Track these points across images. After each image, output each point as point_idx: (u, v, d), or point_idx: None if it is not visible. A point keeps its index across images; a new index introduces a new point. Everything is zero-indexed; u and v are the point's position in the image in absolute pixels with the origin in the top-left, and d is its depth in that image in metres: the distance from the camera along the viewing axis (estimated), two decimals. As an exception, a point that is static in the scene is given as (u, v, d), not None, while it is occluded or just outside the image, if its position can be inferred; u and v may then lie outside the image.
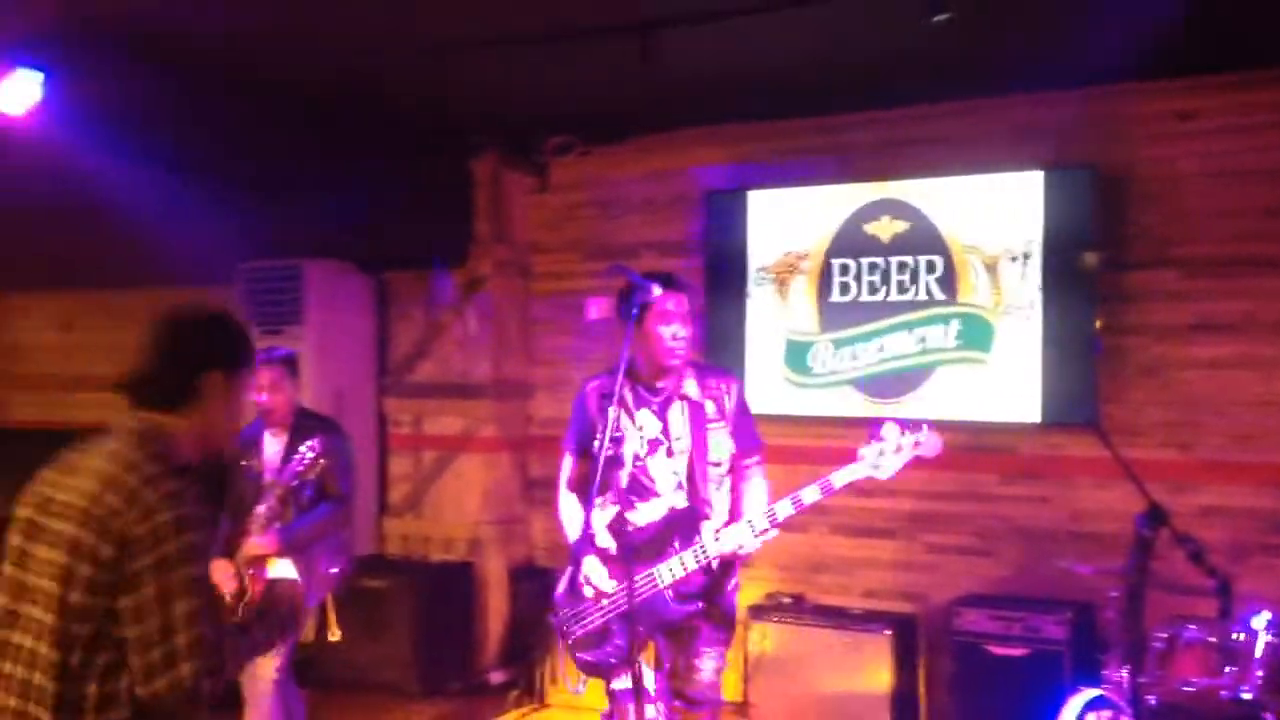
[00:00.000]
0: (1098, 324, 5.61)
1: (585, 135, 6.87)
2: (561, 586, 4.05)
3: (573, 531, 3.97)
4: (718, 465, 3.93)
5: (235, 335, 2.65)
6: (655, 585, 3.81)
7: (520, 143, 6.99)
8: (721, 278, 6.44)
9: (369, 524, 7.34)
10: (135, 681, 2.32)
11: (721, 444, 3.93)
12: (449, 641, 6.86)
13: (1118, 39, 4.71)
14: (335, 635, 5.03)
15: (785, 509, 3.81)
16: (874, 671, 5.83)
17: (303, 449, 4.66)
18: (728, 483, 3.99)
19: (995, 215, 5.82)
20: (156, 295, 8.18)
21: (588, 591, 3.87)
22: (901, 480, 6.06)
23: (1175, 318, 5.61)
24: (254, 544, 4.69)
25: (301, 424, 4.95)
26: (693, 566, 3.80)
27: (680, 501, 3.90)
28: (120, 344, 9.16)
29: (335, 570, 4.98)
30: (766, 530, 3.81)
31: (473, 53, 5.27)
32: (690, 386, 3.95)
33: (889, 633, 5.84)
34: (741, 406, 4.04)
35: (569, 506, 4.07)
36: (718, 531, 3.84)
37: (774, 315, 6.37)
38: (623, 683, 3.84)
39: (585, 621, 3.91)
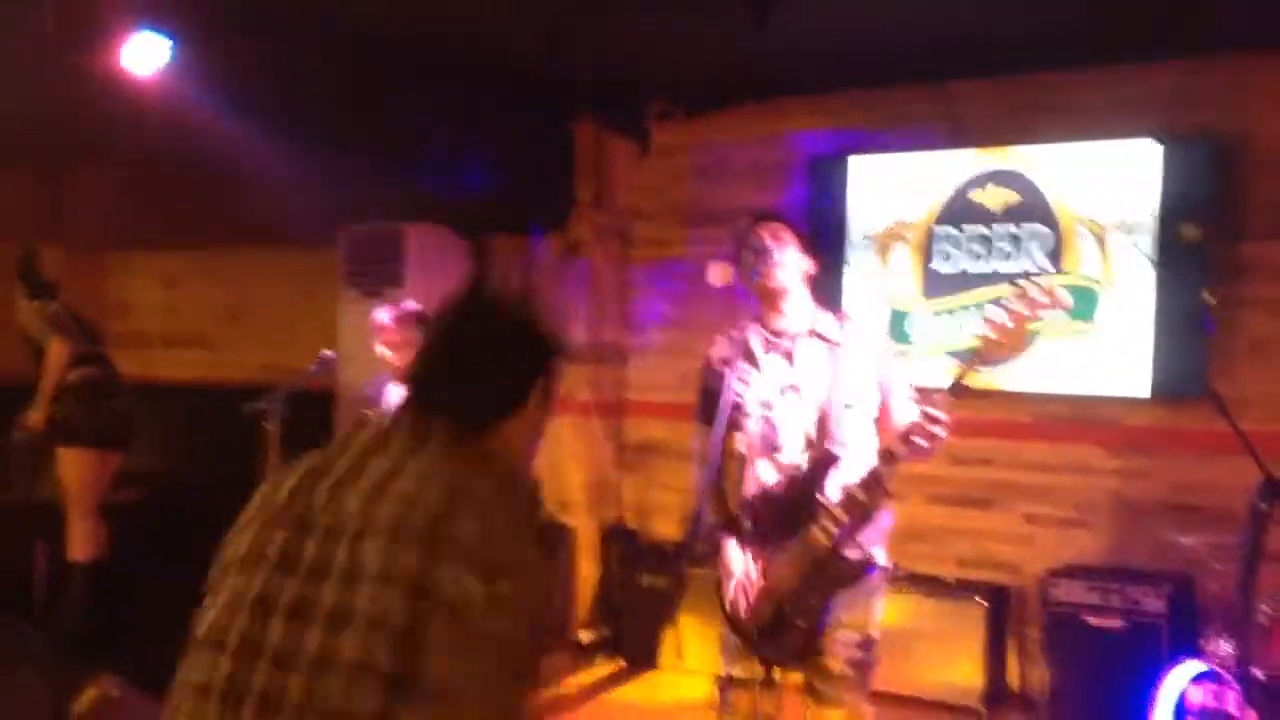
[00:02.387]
0: (1211, 298, 5.56)
1: (688, 101, 6.90)
2: (728, 585, 3.70)
3: (709, 511, 3.71)
4: (851, 408, 3.60)
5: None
6: (815, 550, 3.52)
7: (622, 108, 7.02)
8: (822, 245, 6.41)
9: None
10: None
11: (857, 387, 3.62)
12: (541, 601, 6.94)
13: (1244, 5, 4.63)
14: None
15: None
16: (967, 641, 5.84)
17: None
18: (867, 430, 3.63)
19: (1108, 186, 5.78)
20: (257, 255, 8.43)
21: (730, 583, 3.63)
22: (1000, 451, 6.14)
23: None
24: None
25: None
26: (845, 518, 3.48)
27: (809, 453, 3.61)
28: (218, 301, 9.48)
29: None
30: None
31: (577, 15, 5.29)
32: (825, 325, 3.69)
33: (983, 602, 5.85)
34: (885, 358, 3.74)
35: (703, 481, 3.68)
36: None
37: (875, 283, 6.38)
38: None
39: (756, 611, 3.60)
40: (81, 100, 5.68)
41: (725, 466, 3.64)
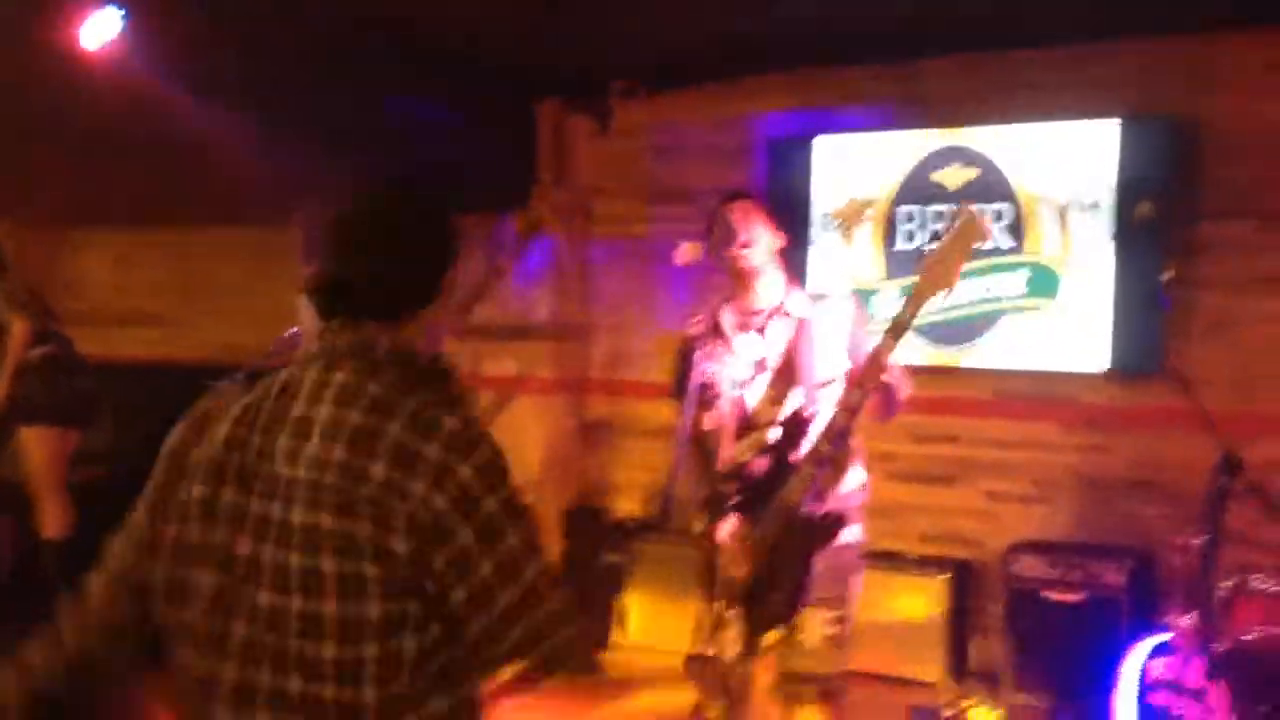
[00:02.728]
0: (1167, 276, 5.62)
1: (651, 79, 6.87)
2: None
3: (692, 485, 3.78)
4: (825, 386, 3.63)
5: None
6: (789, 505, 3.54)
7: (584, 86, 6.99)
8: (784, 225, 6.44)
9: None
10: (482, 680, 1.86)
11: (830, 362, 3.65)
12: (504, 580, 6.92)
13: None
14: None
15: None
16: (928, 616, 5.91)
17: None
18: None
19: (1068, 164, 5.83)
20: (214, 233, 8.34)
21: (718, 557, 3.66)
22: (962, 428, 6.18)
23: (1250, 271, 5.62)
24: None
25: None
26: (813, 471, 3.50)
27: (778, 429, 3.65)
28: (168, 280, 9.40)
29: None
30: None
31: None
32: (796, 304, 3.73)
33: (944, 578, 5.91)
34: (857, 325, 3.75)
35: (686, 458, 3.72)
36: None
37: (838, 263, 6.40)
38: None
39: (740, 578, 3.64)
40: (32, 75, 5.59)
41: (702, 443, 3.67)
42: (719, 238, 3.67)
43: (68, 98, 5.93)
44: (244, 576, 1.79)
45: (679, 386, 3.78)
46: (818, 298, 3.79)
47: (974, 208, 3.44)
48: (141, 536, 1.90)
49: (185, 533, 1.84)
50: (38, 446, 6.34)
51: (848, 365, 3.69)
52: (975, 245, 3.38)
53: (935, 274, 3.38)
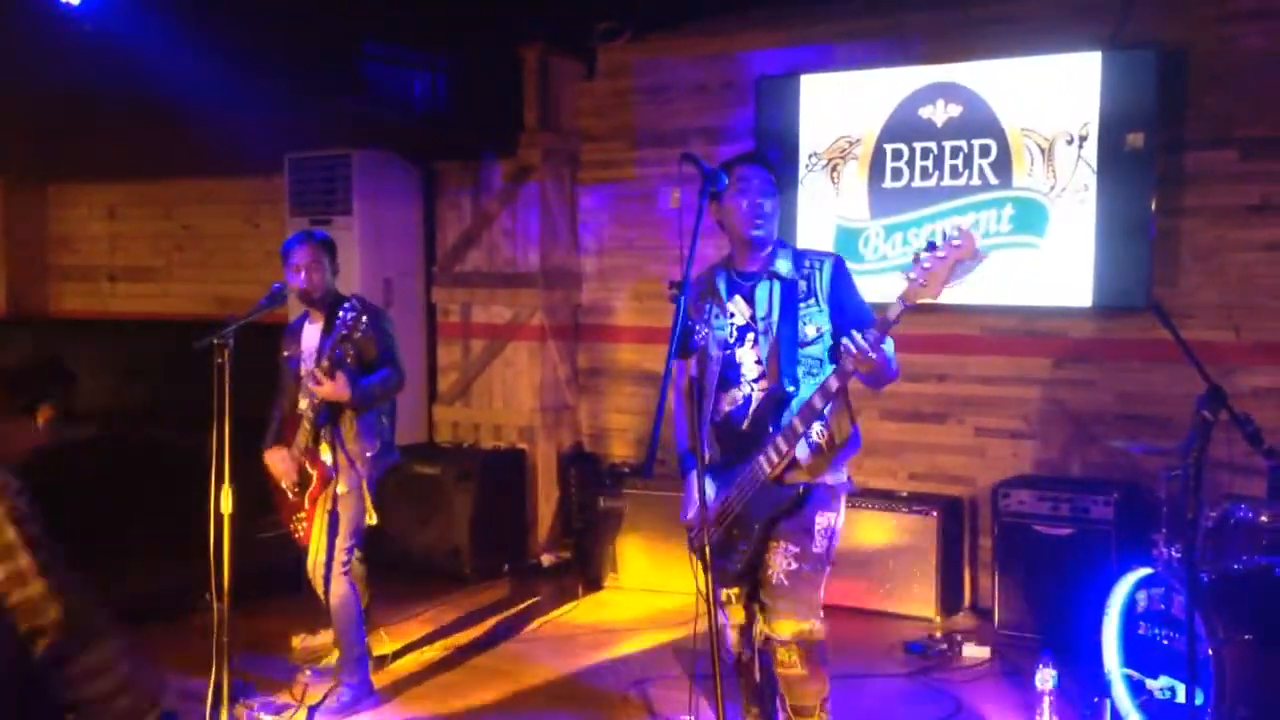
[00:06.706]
0: (1153, 206, 5.62)
1: (634, 20, 6.83)
2: (689, 509, 3.85)
3: (680, 442, 3.87)
4: (807, 347, 3.71)
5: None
6: (759, 478, 3.69)
7: (569, 29, 6.94)
8: (772, 164, 6.44)
9: (419, 412, 7.45)
10: None
11: (813, 323, 3.72)
12: (500, 526, 6.98)
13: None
14: (372, 520, 4.95)
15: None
16: (921, 553, 5.95)
17: (342, 313, 4.60)
18: (826, 369, 3.69)
19: (1051, 97, 5.79)
20: (201, 185, 8.32)
21: (691, 509, 3.76)
22: (952, 366, 6.20)
23: (1234, 199, 5.60)
24: (328, 388, 4.66)
25: (338, 307, 4.91)
26: (786, 449, 3.63)
27: (763, 389, 3.74)
28: (163, 233, 9.37)
29: (371, 454, 4.91)
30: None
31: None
32: (783, 265, 3.77)
33: (936, 514, 5.95)
34: (840, 283, 3.77)
35: (678, 414, 3.89)
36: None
37: (825, 201, 6.38)
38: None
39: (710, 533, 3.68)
40: (7, 29, 5.56)
41: (691, 397, 3.67)
42: (737, 207, 3.70)
43: (47, 50, 5.89)
44: None
45: (674, 343, 3.80)
46: (802, 256, 3.82)
47: (972, 230, 3.45)
48: None
49: None
50: None
51: (828, 325, 3.74)
52: (967, 264, 3.38)
53: (925, 283, 3.36)
